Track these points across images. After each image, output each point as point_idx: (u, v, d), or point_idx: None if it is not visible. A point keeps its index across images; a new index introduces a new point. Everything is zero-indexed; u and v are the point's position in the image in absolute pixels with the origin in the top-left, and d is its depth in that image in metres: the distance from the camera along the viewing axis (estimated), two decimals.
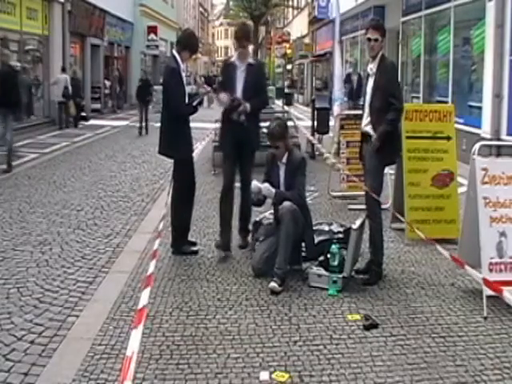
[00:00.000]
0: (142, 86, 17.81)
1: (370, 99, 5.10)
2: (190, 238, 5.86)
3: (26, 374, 3.48)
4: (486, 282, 4.17)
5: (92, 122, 20.24)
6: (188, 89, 5.77)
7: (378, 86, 5.00)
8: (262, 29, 37.74)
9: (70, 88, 18.42)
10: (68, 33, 20.03)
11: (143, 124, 17.11)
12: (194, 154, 5.87)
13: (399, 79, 5.96)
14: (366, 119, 5.18)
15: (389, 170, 6.32)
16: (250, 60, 5.75)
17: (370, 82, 5.11)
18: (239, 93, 5.56)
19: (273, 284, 4.71)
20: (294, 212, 4.93)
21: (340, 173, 8.45)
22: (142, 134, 16.91)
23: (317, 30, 30.50)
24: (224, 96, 5.57)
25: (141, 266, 5.30)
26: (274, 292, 4.68)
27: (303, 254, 5.23)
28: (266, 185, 5.15)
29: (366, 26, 5.27)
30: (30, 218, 7.22)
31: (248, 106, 5.49)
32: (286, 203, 4.96)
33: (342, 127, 8.53)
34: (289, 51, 39.23)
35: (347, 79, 16.72)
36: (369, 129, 5.09)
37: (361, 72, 17.71)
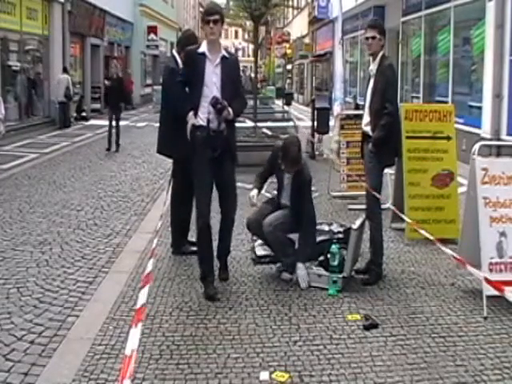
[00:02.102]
0: (112, 87, 13.50)
1: (369, 100, 5.12)
2: (190, 238, 5.86)
3: (26, 374, 3.48)
4: (488, 281, 4.16)
5: (92, 121, 20.24)
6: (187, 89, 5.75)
7: (377, 89, 5.01)
8: (262, 29, 37.72)
9: (71, 88, 18.43)
10: (68, 33, 20.06)
11: (113, 137, 13.38)
12: None
13: (398, 80, 5.96)
14: (365, 119, 5.20)
15: (389, 170, 6.32)
16: (224, 52, 4.71)
17: (371, 83, 5.12)
18: (217, 94, 4.56)
19: (284, 274, 4.97)
20: (270, 225, 4.97)
21: (340, 173, 8.45)
22: (110, 149, 13.16)
23: (317, 30, 30.52)
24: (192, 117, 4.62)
25: (141, 266, 5.29)
26: (284, 281, 4.92)
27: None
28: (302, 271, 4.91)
29: (365, 26, 5.29)
30: (29, 217, 7.22)
31: (231, 111, 4.58)
32: (266, 220, 5.00)
33: (342, 127, 8.54)
34: (289, 51, 39.24)
35: None
36: (368, 129, 5.11)
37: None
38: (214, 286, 4.68)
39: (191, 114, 4.60)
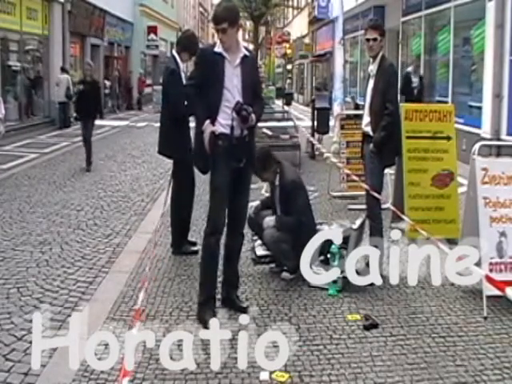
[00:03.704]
0: (84, 92, 10.75)
1: (369, 101, 5.12)
2: (190, 238, 5.86)
3: (26, 374, 3.49)
4: (489, 279, 4.15)
5: None
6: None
7: (377, 89, 5.01)
8: (262, 29, 37.78)
9: (71, 88, 18.42)
10: (68, 33, 20.06)
11: (86, 152, 10.85)
12: None
13: (398, 81, 5.94)
14: (365, 119, 5.20)
15: (389, 170, 6.32)
16: (244, 51, 4.25)
17: (371, 84, 5.12)
18: (239, 98, 4.13)
19: (284, 274, 4.98)
20: (272, 235, 5.03)
21: (340, 173, 8.45)
22: (90, 169, 10.72)
23: (317, 30, 30.51)
24: (209, 126, 4.10)
25: (141, 265, 5.30)
26: (284, 281, 4.94)
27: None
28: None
29: (365, 26, 5.27)
30: (30, 217, 7.22)
31: (254, 117, 4.15)
32: (267, 231, 5.07)
33: (342, 127, 8.54)
34: (289, 51, 39.24)
35: (406, 80, 12.59)
36: (369, 129, 5.12)
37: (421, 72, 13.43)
38: (214, 312, 4.17)
39: (208, 122, 4.11)
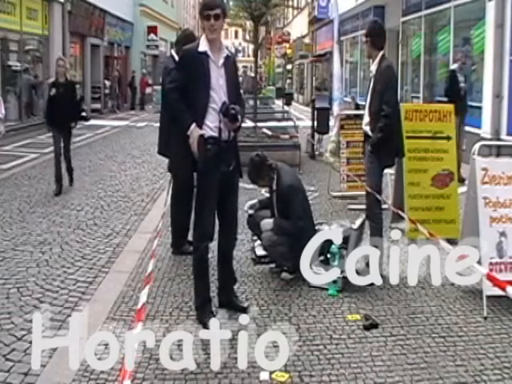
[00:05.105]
0: (58, 96, 9.03)
1: (369, 101, 5.14)
2: (190, 238, 5.85)
3: (25, 374, 3.48)
4: (490, 277, 4.14)
5: (92, 121, 20.20)
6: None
7: (375, 90, 5.02)
8: (262, 29, 37.72)
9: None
10: (68, 33, 20.06)
11: (61, 170, 8.90)
12: None
13: (398, 80, 6.00)
14: (365, 119, 5.22)
15: (389, 170, 6.32)
16: (226, 51, 4.15)
17: (371, 84, 5.13)
18: (225, 99, 4.01)
19: (284, 274, 4.99)
20: (270, 239, 5.03)
21: (340, 173, 8.46)
22: (61, 191, 8.62)
23: (317, 30, 30.51)
24: (197, 132, 3.96)
25: (141, 265, 5.30)
26: (284, 281, 4.94)
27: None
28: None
29: (365, 27, 5.38)
30: (29, 217, 7.22)
31: (240, 117, 4.06)
32: (265, 234, 5.10)
33: (342, 127, 8.54)
34: (289, 51, 39.25)
35: (452, 79, 10.79)
36: (368, 129, 5.13)
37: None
38: (212, 313, 4.15)
39: (194, 126, 3.96)
